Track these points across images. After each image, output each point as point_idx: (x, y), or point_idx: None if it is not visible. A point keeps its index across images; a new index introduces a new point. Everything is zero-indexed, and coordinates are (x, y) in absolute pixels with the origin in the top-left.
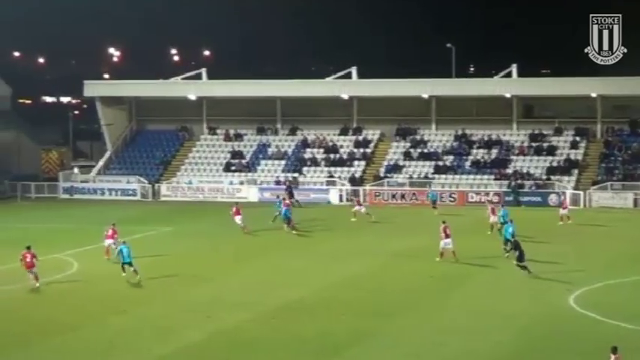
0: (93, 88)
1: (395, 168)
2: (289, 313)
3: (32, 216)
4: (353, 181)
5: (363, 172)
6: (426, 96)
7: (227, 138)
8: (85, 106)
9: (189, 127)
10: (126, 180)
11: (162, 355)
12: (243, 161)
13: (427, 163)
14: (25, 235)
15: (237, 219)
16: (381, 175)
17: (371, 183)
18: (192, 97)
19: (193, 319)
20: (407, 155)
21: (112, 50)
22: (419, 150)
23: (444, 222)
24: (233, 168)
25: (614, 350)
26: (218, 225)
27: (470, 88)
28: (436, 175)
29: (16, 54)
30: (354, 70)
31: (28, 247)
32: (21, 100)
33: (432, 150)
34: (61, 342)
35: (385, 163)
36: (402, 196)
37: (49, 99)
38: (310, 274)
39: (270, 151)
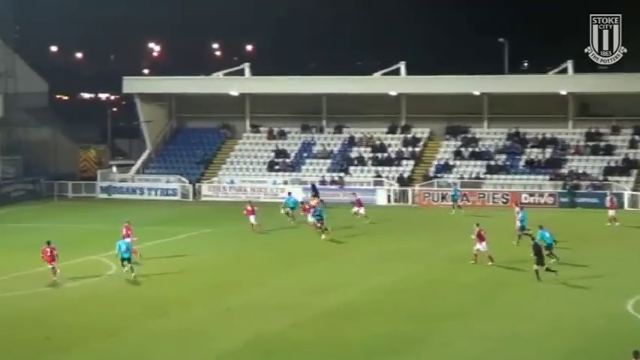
0: (132, 85)
1: (445, 168)
2: (333, 317)
3: (69, 216)
4: (401, 181)
5: (412, 171)
6: (477, 93)
7: (270, 136)
8: (123, 102)
9: (231, 125)
10: (166, 179)
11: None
12: (288, 160)
13: (479, 162)
14: (61, 236)
15: (252, 218)
16: (431, 175)
17: (420, 183)
18: (235, 93)
19: (234, 324)
20: (457, 154)
21: (151, 45)
22: (470, 149)
23: (477, 224)
24: (277, 167)
25: (637, 354)
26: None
27: (523, 85)
28: (488, 175)
29: (54, 49)
30: (402, 66)
31: (48, 242)
32: (58, 97)
33: (483, 149)
34: (101, 347)
35: (435, 162)
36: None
37: (86, 95)
38: (355, 277)
39: (315, 149)
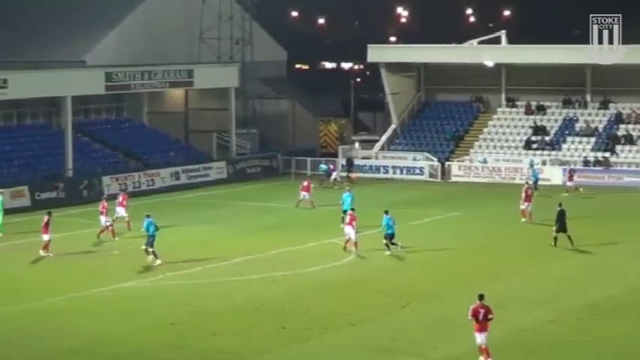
0: (377, 53)
1: None
2: (596, 313)
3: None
4: None
5: None
6: None
7: (528, 111)
8: (367, 73)
9: (485, 98)
10: (412, 157)
11: (450, 356)
12: (547, 138)
13: None
14: (298, 218)
15: (303, 194)
16: None
17: None
18: (490, 63)
19: None
20: None
21: (399, 10)
22: None
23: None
24: (534, 145)
25: (481, 297)
26: (515, 211)
27: None
28: None
29: (294, 14)
30: None
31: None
32: (297, 66)
33: None
34: (340, 337)
35: None
36: None
37: (328, 65)
38: (624, 270)
39: (577, 126)
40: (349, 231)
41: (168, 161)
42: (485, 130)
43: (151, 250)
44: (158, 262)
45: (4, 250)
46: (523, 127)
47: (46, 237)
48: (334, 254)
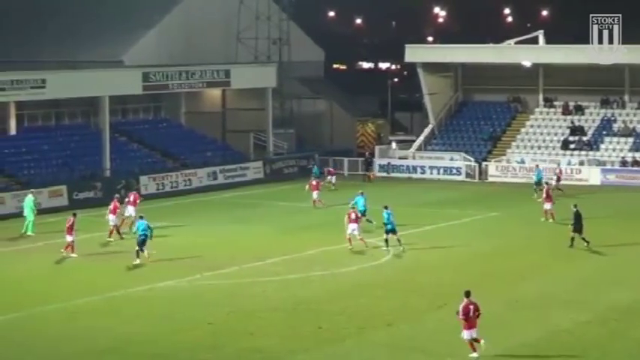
0: (415, 53)
1: None
2: (633, 315)
3: (343, 196)
4: None
5: None
6: None
7: (566, 111)
8: (405, 73)
9: (523, 98)
10: (449, 157)
11: (485, 356)
12: (584, 138)
13: None
14: (334, 218)
15: (314, 194)
16: None
17: None
18: (527, 63)
19: (521, 318)
20: None
21: (437, 10)
22: None
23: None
24: (572, 146)
25: (468, 294)
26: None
27: None
28: None
29: (331, 14)
30: None
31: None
32: (335, 66)
33: None
34: (377, 337)
35: None
36: None
37: (365, 65)
38: None
39: (615, 126)
40: (353, 228)
41: (205, 161)
42: (523, 130)
43: (140, 249)
44: (137, 260)
45: (39, 250)
46: (560, 127)
47: (69, 238)
48: (370, 254)
